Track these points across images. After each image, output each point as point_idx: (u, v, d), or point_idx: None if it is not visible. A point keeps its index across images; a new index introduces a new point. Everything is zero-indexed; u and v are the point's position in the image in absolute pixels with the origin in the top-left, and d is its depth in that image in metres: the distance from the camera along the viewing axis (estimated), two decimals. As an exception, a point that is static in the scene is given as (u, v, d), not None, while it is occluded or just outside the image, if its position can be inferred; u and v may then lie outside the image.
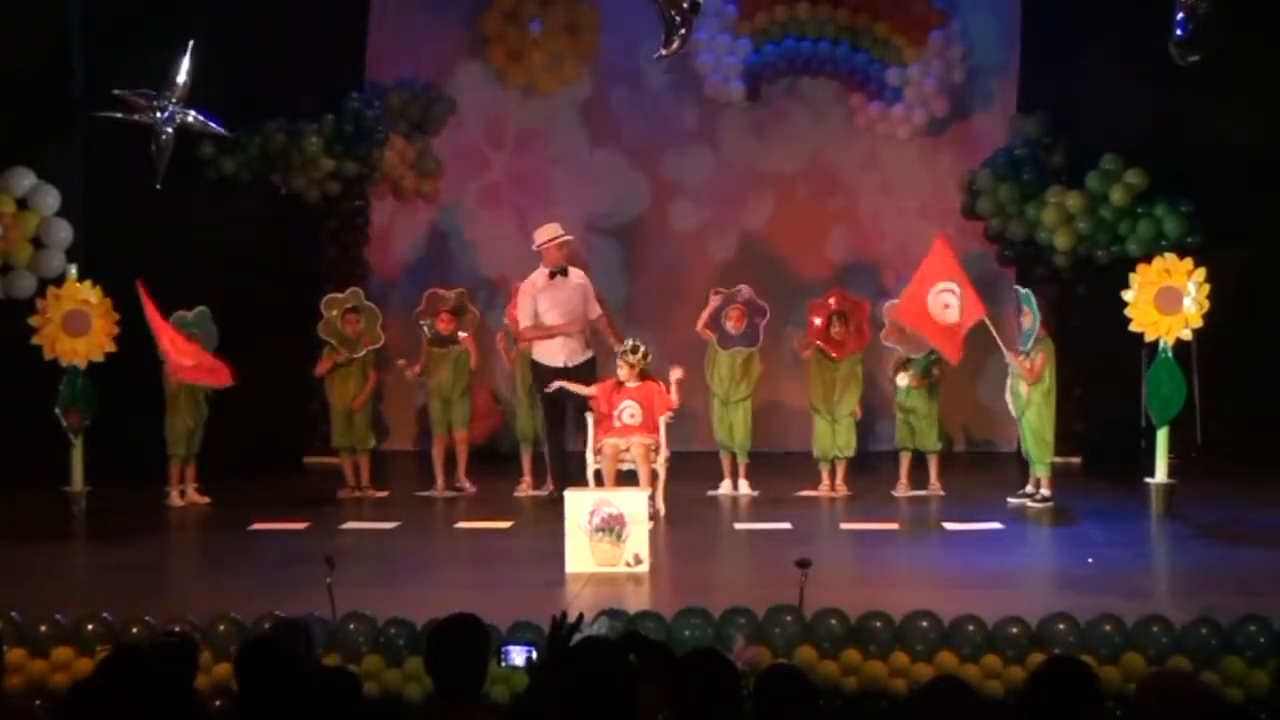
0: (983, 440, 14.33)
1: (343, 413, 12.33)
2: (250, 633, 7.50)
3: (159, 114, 11.56)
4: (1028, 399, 11.48)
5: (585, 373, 11.83)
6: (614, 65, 14.52)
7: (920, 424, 12.02)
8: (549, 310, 11.90)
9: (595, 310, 12.07)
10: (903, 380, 11.97)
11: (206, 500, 12.05)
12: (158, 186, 11.75)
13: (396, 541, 10.73)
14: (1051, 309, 12.62)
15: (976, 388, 14.10)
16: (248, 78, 13.35)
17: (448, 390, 12.36)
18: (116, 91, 11.58)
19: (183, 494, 12.02)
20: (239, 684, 5.35)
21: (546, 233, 12.00)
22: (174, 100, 11.59)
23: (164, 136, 11.63)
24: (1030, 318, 11.42)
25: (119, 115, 11.62)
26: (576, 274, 12.09)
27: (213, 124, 12.06)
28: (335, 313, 12.31)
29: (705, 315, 12.28)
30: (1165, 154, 12.92)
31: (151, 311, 11.48)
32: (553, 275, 11.95)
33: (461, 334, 12.37)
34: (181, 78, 11.54)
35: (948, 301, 11.43)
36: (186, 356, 11.62)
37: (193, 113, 11.75)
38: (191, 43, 11.55)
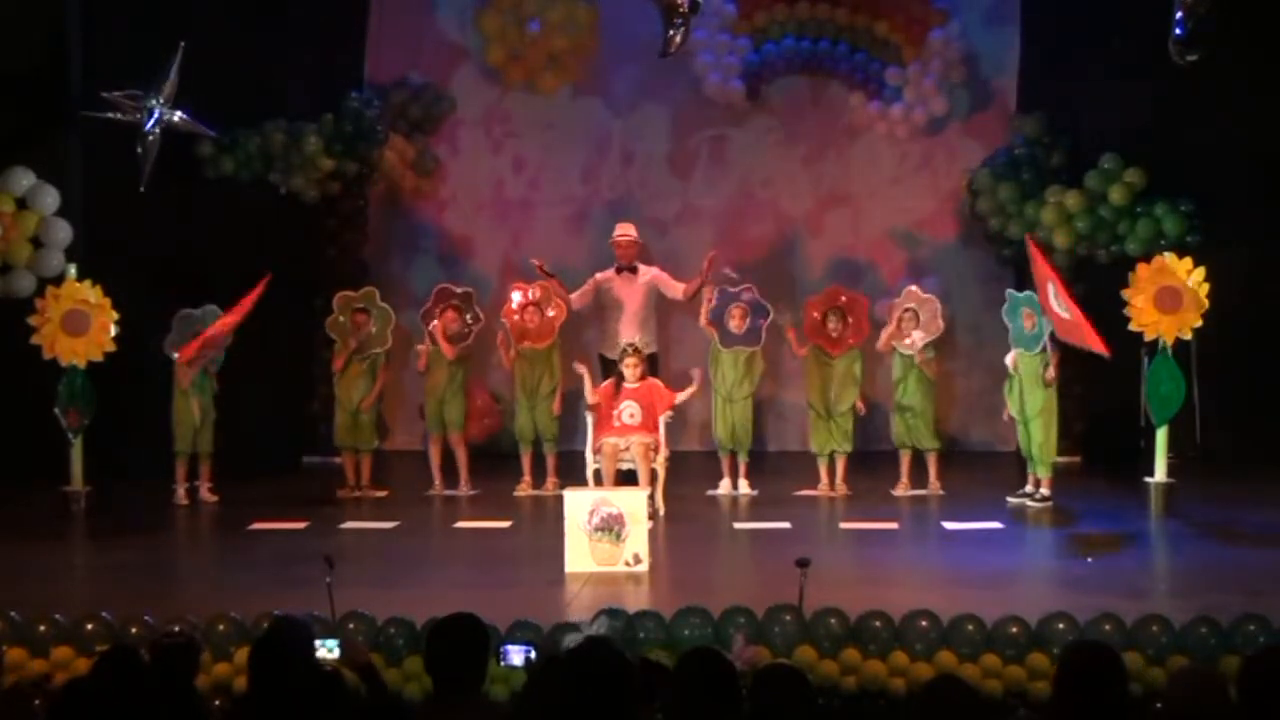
0: (983, 440, 14.31)
1: (349, 411, 12.33)
2: (250, 632, 7.52)
3: (145, 115, 11.57)
4: (1042, 401, 11.44)
5: (648, 365, 11.98)
6: (613, 65, 14.52)
7: (916, 422, 12.03)
8: (614, 304, 12.41)
9: (674, 293, 12.50)
10: (918, 334, 11.90)
11: (215, 499, 12.04)
12: (142, 189, 11.77)
13: (396, 541, 10.73)
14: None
15: (976, 387, 14.11)
16: (248, 78, 13.34)
17: (442, 390, 12.37)
18: (105, 94, 11.61)
19: (189, 492, 12.01)
20: (251, 676, 5.34)
21: (618, 229, 12.69)
22: (161, 101, 11.60)
23: (150, 138, 11.65)
24: (1034, 320, 11.39)
25: (109, 115, 11.64)
26: (646, 273, 12.55)
27: (201, 125, 12.08)
28: (344, 317, 12.33)
29: (704, 311, 12.31)
30: (1165, 154, 12.91)
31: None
32: (620, 271, 12.44)
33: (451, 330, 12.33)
34: (170, 79, 11.55)
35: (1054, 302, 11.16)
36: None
37: (179, 113, 11.76)
38: (182, 45, 11.56)
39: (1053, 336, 11.41)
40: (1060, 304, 11.05)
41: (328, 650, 5.96)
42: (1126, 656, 7.32)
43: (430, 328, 12.35)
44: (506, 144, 14.77)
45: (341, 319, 12.38)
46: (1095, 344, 10.95)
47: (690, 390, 11.70)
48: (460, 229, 14.80)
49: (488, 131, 14.77)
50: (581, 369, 11.79)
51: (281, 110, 13.68)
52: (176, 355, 11.89)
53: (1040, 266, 11.31)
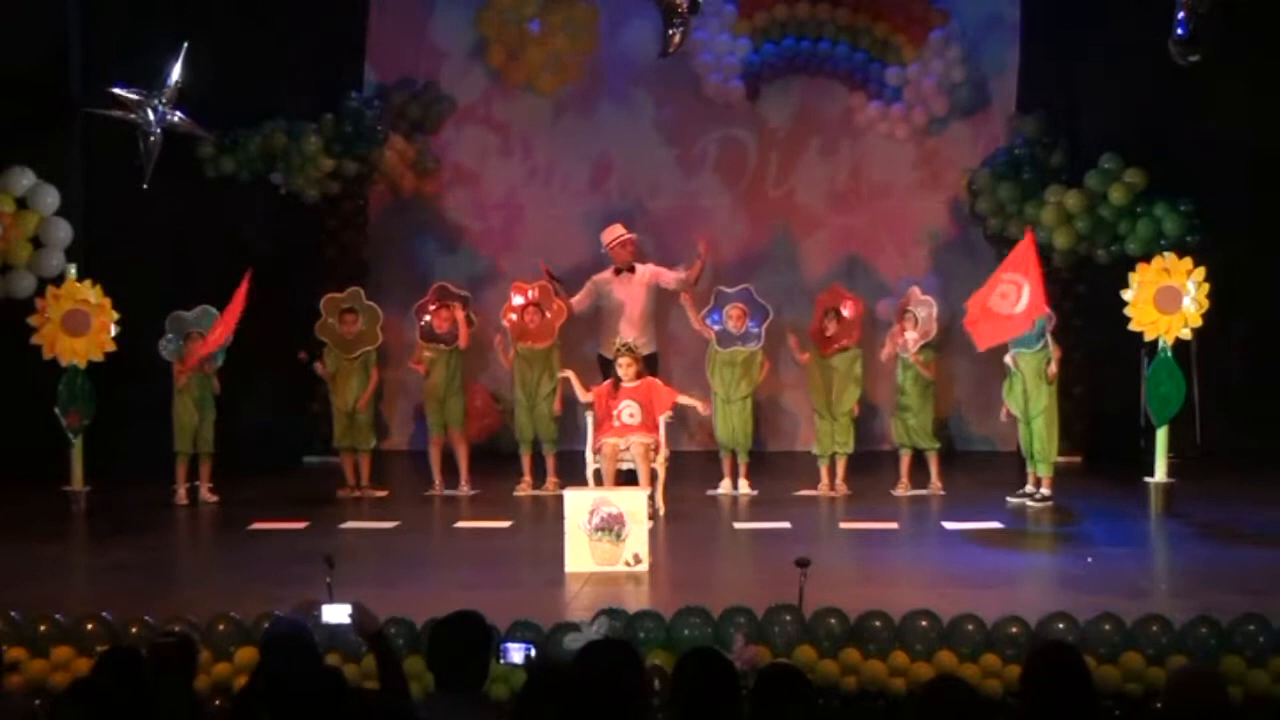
0: (983, 440, 14.32)
1: (345, 412, 12.33)
2: (250, 632, 7.52)
3: (149, 114, 11.59)
4: (1045, 399, 11.45)
5: (648, 365, 11.96)
6: (613, 64, 14.52)
7: (914, 422, 12.03)
8: (615, 306, 12.40)
9: (674, 283, 12.51)
10: (911, 336, 11.91)
11: (215, 499, 12.04)
12: (145, 186, 11.78)
13: (396, 541, 10.73)
14: (1051, 308, 12.62)
15: (977, 387, 14.10)
16: (248, 77, 13.35)
17: (440, 390, 12.36)
18: (112, 89, 11.62)
19: (189, 492, 12.01)
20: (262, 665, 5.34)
21: (610, 233, 12.59)
22: (164, 101, 11.61)
23: (152, 137, 11.66)
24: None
25: (112, 113, 11.65)
26: (644, 271, 12.57)
27: (199, 126, 12.09)
28: (332, 319, 12.34)
29: (693, 314, 12.30)
30: (1165, 153, 12.91)
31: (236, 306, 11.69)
32: (618, 272, 12.48)
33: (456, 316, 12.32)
34: (173, 80, 11.56)
35: (1005, 292, 11.28)
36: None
37: (179, 113, 11.76)
38: (186, 45, 11.57)
39: (1054, 333, 11.46)
40: (1010, 299, 11.21)
41: (340, 615, 5.80)
42: (1126, 656, 7.36)
43: (420, 324, 12.34)
44: (506, 144, 14.78)
45: (330, 321, 12.37)
46: (980, 336, 11.41)
47: (695, 404, 11.71)
48: (460, 229, 14.81)
49: (488, 132, 14.78)
50: (566, 374, 11.82)
51: (281, 110, 13.69)
52: (176, 367, 11.94)
53: (1028, 259, 11.30)
